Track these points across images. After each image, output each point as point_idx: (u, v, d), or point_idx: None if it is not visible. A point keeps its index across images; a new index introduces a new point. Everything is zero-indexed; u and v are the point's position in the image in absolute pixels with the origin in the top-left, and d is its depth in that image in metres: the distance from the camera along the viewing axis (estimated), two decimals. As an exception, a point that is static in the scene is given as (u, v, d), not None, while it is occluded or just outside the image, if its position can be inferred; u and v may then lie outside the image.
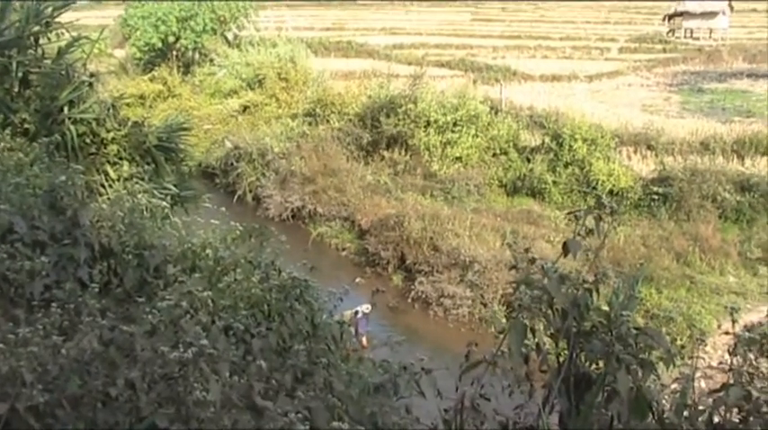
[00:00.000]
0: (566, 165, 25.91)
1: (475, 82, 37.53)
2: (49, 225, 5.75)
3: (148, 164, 10.28)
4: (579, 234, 3.86)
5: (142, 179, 9.37)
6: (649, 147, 26.15)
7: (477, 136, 28.70)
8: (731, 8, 74.14)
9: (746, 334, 3.54)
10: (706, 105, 34.52)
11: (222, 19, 44.41)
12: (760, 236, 22.18)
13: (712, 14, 70.69)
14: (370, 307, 18.02)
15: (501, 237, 22.70)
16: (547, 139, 27.32)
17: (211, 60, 42.21)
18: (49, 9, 10.15)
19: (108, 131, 10.03)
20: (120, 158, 10.04)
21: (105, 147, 10.03)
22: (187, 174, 12.35)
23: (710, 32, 69.85)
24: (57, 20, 10.31)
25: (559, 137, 26.41)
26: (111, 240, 5.94)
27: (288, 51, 38.46)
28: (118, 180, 9.52)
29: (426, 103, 29.47)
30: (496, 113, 30.16)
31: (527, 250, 4.14)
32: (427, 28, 74.75)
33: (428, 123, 29.08)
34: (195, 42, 43.89)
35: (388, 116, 29.56)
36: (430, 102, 29.61)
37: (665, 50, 58.70)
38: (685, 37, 69.45)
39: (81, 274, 5.51)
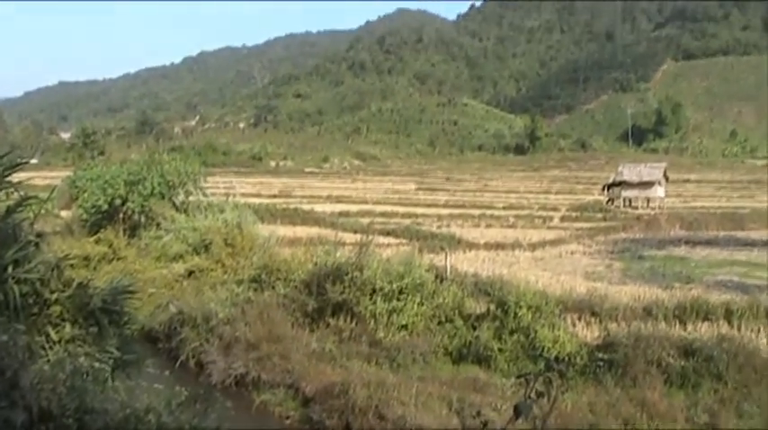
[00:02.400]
0: (511, 333, 25.92)
1: (420, 250, 37.87)
2: (-14, 386, 5.59)
3: (92, 326, 10.13)
4: (529, 397, 3.84)
5: (84, 342, 9.21)
6: (593, 314, 26.37)
7: (423, 304, 28.72)
8: (666, 178, 76.77)
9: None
10: (647, 272, 35.10)
11: (171, 184, 44.64)
12: (705, 401, 22.20)
13: (649, 184, 73.10)
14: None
15: (447, 405, 22.41)
16: (492, 307, 27.41)
17: (158, 224, 42.16)
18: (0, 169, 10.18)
19: (52, 292, 9.91)
20: (63, 320, 9.88)
21: (48, 308, 9.89)
22: (130, 338, 12.14)
23: (648, 201, 72.01)
24: (6, 179, 10.32)
25: (504, 304, 26.53)
26: (52, 403, 5.78)
27: (235, 217, 38.64)
28: (59, 342, 9.35)
29: (372, 271, 29.53)
30: (442, 281, 30.31)
31: (478, 413, 4.11)
32: (373, 196, 75.90)
33: (374, 291, 29.07)
34: (142, 206, 43.93)
35: (334, 283, 29.52)
36: (376, 269, 29.68)
37: (605, 219, 60.09)
38: (624, 206, 71.42)
39: (18, 439, 5.33)
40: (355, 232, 41.80)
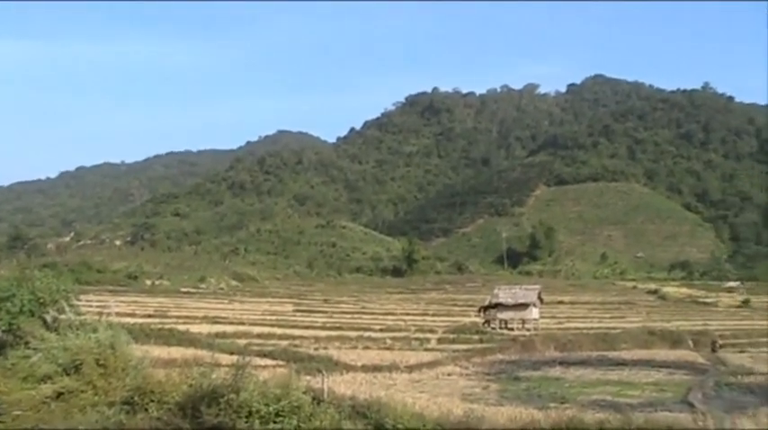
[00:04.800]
0: (389, 456, 25.76)
1: (298, 372, 37.49)
2: None
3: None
4: None
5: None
6: (469, 436, 26.49)
7: (300, 426, 28.35)
8: (541, 300, 78.62)
9: None
10: (523, 393, 35.52)
11: (42, 301, 43.32)
12: None
13: (524, 306, 74.69)
14: None
15: None
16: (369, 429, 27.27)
17: (27, 343, 40.67)
18: None
19: None
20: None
21: None
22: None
23: (523, 323, 73.35)
24: None
25: (382, 426, 26.41)
26: None
27: (108, 337, 37.61)
28: None
29: (249, 393, 29.09)
30: (319, 404, 30.04)
31: None
32: (250, 317, 75.25)
33: (250, 414, 28.58)
34: (10, 324, 42.42)
35: (209, 406, 28.92)
36: (252, 391, 29.25)
37: (481, 340, 60.78)
38: (500, 327, 72.54)
39: None
40: (232, 353, 41.27)
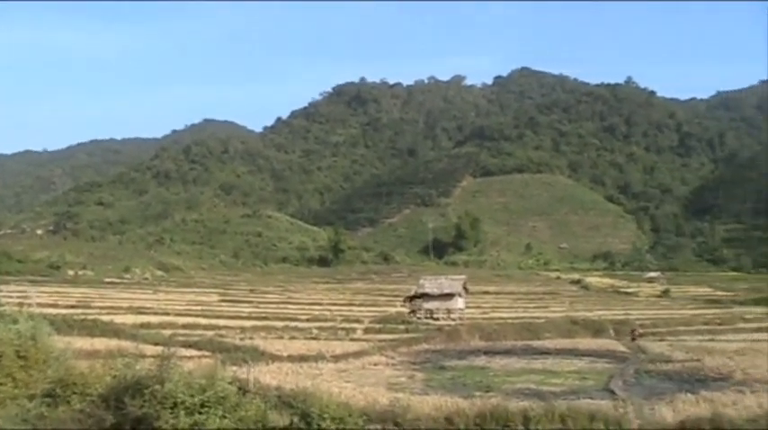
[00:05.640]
0: (314, 445, 25.80)
1: (223, 362, 37.21)
2: None
3: None
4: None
5: None
6: (396, 424, 26.55)
7: (226, 417, 28.17)
8: (466, 290, 79.23)
9: None
10: (448, 382, 35.75)
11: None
12: None
13: (450, 296, 75.19)
14: None
15: None
16: (295, 419, 27.23)
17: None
18: None
19: None
20: None
21: None
22: None
23: (449, 313, 73.73)
24: None
25: (308, 416, 26.38)
26: None
27: (29, 328, 36.86)
28: None
29: (174, 384, 28.81)
30: (245, 394, 29.90)
31: None
32: (175, 308, 74.49)
33: (175, 405, 28.33)
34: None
35: (133, 397, 28.56)
36: (177, 382, 28.98)
37: (407, 330, 60.97)
38: (426, 317, 72.81)
39: None
40: (157, 344, 40.77)
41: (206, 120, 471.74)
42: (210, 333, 53.26)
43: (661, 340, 56.34)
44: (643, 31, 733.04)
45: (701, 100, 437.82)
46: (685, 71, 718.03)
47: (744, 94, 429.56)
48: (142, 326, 55.55)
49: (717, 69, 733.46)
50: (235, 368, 34.60)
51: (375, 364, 42.32)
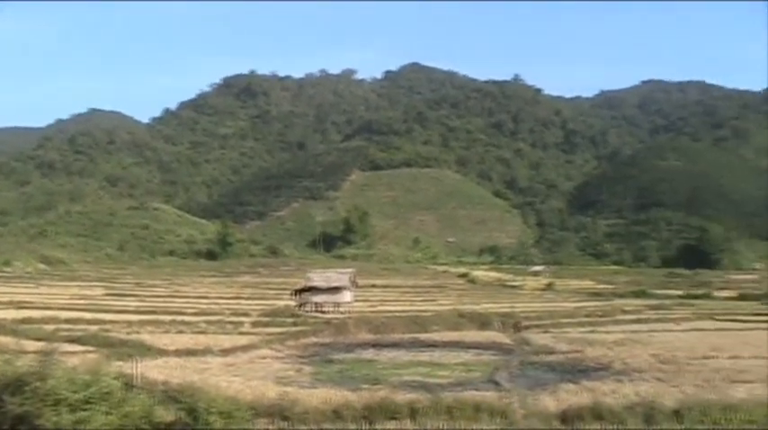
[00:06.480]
0: (201, 440, 25.65)
1: (108, 358, 36.63)
2: None
3: None
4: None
5: None
6: (284, 418, 26.63)
7: (110, 413, 27.76)
8: (354, 284, 79.60)
9: None
10: (336, 375, 35.97)
11: None
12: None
13: (338, 289, 75.41)
14: None
15: None
16: (182, 415, 27.01)
17: None
18: None
19: None
20: None
21: None
22: None
23: (337, 306, 73.92)
24: None
25: (195, 411, 26.23)
26: None
27: None
28: None
29: (56, 381, 28.25)
30: (130, 389, 29.51)
31: None
32: (58, 302, 72.70)
33: (58, 402, 27.77)
34: None
35: (13, 394, 27.93)
36: (60, 378, 28.42)
37: (295, 324, 60.83)
38: (314, 311, 72.84)
39: None
40: (39, 340, 39.85)
41: (92, 110, 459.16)
42: (95, 327, 52.13)
43: (545, 332, 57.59)
44: (531, 30, 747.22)
45: (586, 98, 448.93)
46: (570, 70, 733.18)
47: (625, 93, 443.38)
48: (23, 321, 54.14)
49: (600, 69, 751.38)
50: (120, 363, 34.14)
51: (263, 358, 42.24)
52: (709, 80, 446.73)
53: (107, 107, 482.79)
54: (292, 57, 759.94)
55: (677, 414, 23.01)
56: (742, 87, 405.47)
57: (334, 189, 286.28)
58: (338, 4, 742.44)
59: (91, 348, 41.95)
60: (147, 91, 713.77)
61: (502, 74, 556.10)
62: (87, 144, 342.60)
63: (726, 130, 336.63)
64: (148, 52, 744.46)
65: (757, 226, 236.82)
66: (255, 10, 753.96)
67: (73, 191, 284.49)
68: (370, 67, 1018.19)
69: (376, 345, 48.66)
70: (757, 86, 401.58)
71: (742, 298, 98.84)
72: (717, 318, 69.62)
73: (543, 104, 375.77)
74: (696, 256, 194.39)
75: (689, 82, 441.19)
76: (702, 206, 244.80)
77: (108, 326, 53.10)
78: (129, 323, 56.14)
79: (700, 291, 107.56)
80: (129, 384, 30.03)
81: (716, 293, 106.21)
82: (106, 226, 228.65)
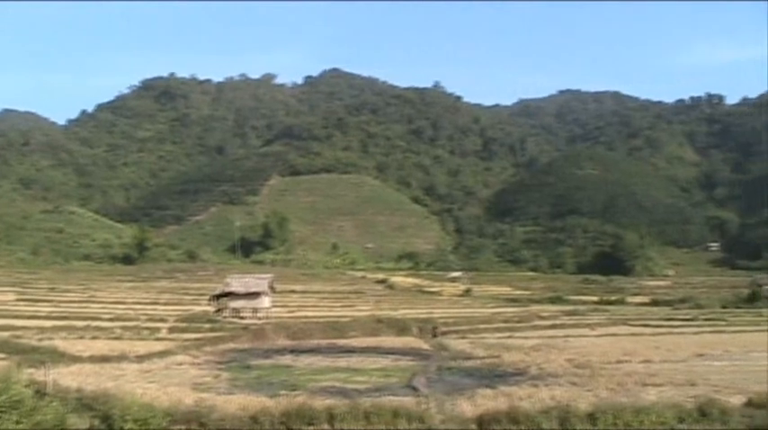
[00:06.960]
0: (116, 448, 25.33)
1: (19, 365, 35.89)
2: None
3: None
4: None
5: None
6: (201, 424, 26.42)
7: (21, 422, 27.20)
8: (273, 289, 79.44)
9: None
10: (254, 381, 35.78)
11: None
12: None
13: (256, 295, 75.29)
14: None
15: None
16: (96, 422, 26.63)
17: None
18: None
19: None
20: None
21: None
22: None
23: (255, 311, 73.74)
24: None
25: (109, 418, 25.90)
26: None
27: None
28: None
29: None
30: (42, 397, 28.96)
31: None
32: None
33: (-35, 410, 27.16)
34: None
35: None
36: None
37: (213, 329, 60.59)
38: (232, 316, 72.52)
39: None
40: (-54, 347, 38.92)
41: (6, 111, 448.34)
42: (6, 334, 51.06)
43: (462, 338, 58.25)
44: (451, 37, 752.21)
45: (505, 107, 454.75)
46: (490, 78, 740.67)
47: (543, 102, 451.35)
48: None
49: (519, 78, 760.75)
50: (32, 370, 33.46)
51: (180, 364, 41.84)
52: (624, 91, 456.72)
53: (22, 107, 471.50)
54: (212, 59, 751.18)
55: (591, 417, 23.46)
56: (655, 98, 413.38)
57: (253, 194, 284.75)
58: (257, 5, 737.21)
59: (1, 355, 41.08)
60: (63, 92, 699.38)
61: (422, 81, 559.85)
62: (0, 145, 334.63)
63: (640, 140, 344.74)
64: (65, 52, 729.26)
65: (669, 233, 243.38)
66: (174, 11, 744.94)
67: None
68: (291, 72, 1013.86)
69: (294, 351, 48.56)
70: (670, 98, 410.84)
71: (654, 303, 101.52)
72: (630, 323, 71.36)
73: (463, 112, 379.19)
74: (611, 263, 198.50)
75: (605, 92, 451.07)
76: (617, 214, 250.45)
77: (19, 333, 52.07)
78: (42, 329, 55.14)
79: (614, 297, 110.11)
80: (40, 392, 29.48)
81: (629, 299, 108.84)
82: (19, 229, 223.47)
